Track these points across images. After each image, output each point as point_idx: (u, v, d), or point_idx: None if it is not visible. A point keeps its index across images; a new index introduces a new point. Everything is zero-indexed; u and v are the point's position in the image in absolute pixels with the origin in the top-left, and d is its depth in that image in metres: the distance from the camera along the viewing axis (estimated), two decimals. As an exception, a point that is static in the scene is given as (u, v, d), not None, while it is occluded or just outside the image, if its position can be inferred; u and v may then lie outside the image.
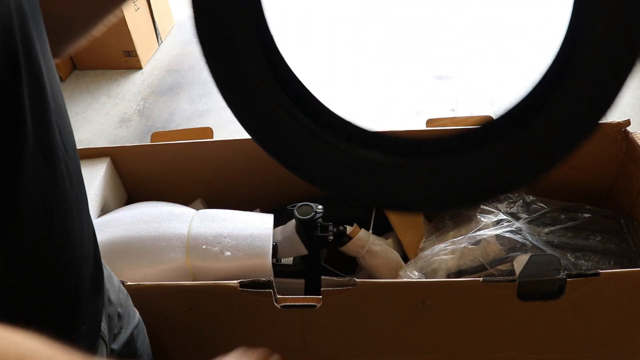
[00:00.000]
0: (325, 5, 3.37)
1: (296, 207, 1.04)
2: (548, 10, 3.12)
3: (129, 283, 0.84)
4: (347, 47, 2.93)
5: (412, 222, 1.16)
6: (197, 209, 1.06)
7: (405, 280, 0.97)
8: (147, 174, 1.25)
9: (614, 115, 2.17)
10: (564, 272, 0.82)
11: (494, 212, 1.07)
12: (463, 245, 1.00)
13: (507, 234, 0.98)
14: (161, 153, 1.22)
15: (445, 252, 1.01)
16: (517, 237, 1.00)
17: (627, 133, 1.15)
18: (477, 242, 0.99)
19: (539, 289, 0.84)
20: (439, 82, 2.60)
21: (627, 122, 1.16)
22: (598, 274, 0.83)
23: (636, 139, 1.13)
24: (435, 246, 1.03)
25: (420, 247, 1.11)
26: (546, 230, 1.05)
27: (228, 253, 0.92)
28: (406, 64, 2.75)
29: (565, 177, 1.23)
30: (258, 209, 1.19)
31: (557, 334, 0.94)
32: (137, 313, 0.78)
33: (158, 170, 1.25)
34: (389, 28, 3.08)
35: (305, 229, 1.04)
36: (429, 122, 1.29)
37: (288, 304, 0.87)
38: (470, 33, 2.98)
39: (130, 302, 0.77)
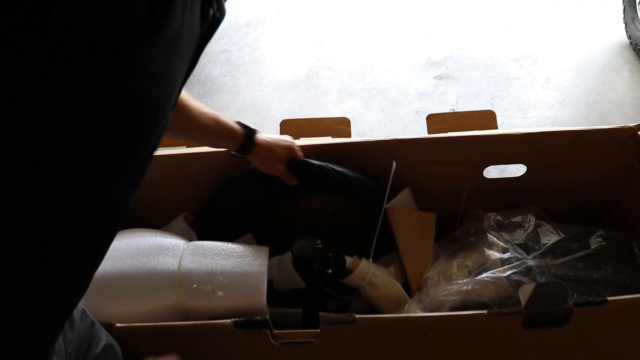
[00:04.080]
0: (325, 5, 3.32)
1: (293, 244, 1.00)
2: (548, 10, 3.08)
3: (119, 325, 0.81)
4: (347, 47, 2.88)
5: (420, 249, 1.12)
6: (181, 227, 1.02)
7: (406, 315, 0.94)
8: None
9: (614, 115, 2.17)
10: (570, 300, 0.80)
11: (502, 246, 1.03)
12: (469, 288, 0.97)
13: (515, 277, 0.94)
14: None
15: (449, 292, 0.98)
16: (526, 279, 0.97)
17: (638, 137, 1.13)
18: (484, 283, 0.95)
19: (544, 318, 0.82)
20: (439, 82, 2.56)
21: (638, 127, 1.13)
22: (605, 301, 0.80)
23: None
24: (440, 286, 0.99)
25: (423, 277, 1.07)
26: (557, 262, 1.01)
27: (221, 293, 0.88)
28: (406, 63, 2.71)
29: (575, 182, 1.22)
30: (249, 234, 1.14)
31: None
32: (106, 339, 0.74)
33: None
34: (389, 28, 3.04)
35: (304, 263, 1.00)
36: (430, 117, 1.26)
37: (286, 340, 0.84)
38: (470, 33, 2.93)
39: (96, 329, 0.73)
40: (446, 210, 1.23)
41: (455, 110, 2.35)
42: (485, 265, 1.01)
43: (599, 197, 1.23)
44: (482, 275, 0.98)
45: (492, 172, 1.24)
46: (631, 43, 2.64)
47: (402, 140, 1.18)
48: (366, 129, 2.31)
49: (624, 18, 2.68)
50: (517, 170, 1.25)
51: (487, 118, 1.24)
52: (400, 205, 1.15)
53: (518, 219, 1.12)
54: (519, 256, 1.01)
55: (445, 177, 1.21)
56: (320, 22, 3.10)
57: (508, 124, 2.25)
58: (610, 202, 1.24)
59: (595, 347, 0.89)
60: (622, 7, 2.69)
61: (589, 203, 1.20)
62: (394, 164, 1.13)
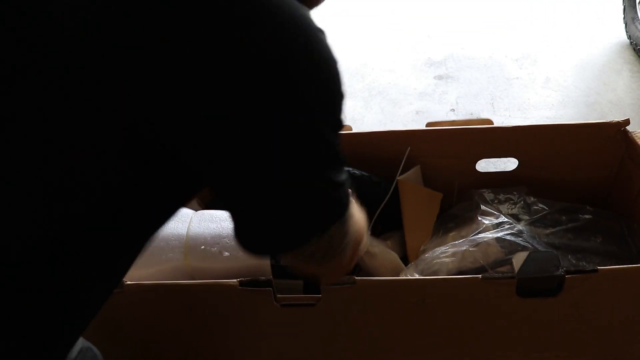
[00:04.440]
0: (324, 5, 3.34)
1: None
2: (548, 10, 3.09)
3: (128, 282, 0.84)
4: (347, 47, 2.89)
5: (423, 224, 1.16)
6: (195, 210, 1.05)
7: (404, 278, 0.96)
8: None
9: (614, 115, 2.17)
10: (562, 268, 0.82)
11: (494, 214, 1.06)
12: (464, 248, 1.00)
13: (508, 237, 0.98)
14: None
15: (445, 255, 1.01)
16: (518, 240, 1.00)
17: (626, 132, 1.15)
18: (478, 245, 0.98)
19: (537, 286, 0.84)
20: (439, 82, 2.57)
21: (627, 122, 1.15)
22: (597, 270, 0.83)
23: (636, 138, 1.12)
24: (436, 249, 1.02)
25: (421, 249, 1.10)
26: (547, 231, 1.04)
27: (227, 253, 0.91)
28: (406, 63, 2.72)
29: (566, 177, 1.23)
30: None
31: (556, 332, 0.93)
32: (81, 343, 0.74)
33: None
34: (389, 28, 3.05)
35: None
36: (429, 124, 1.27)
37: (288, 303, 0.87)
38: (470, 33, 2.94)
39: None
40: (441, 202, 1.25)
41: (455, 110, 2.35)
42: (479, 230, 1.04)
43: (591, 191, 1.23)
44: (475, 236, 1.02)
45: (485, 166, 1.26)
46: (631, 43, 2.65)
47: (397, 132, 1.21)
48: (366, 129, 2.32)
49: (624, 18, 2.69)
50: (509, 164, 1.26)
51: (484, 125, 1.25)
52: (411, 181, 1.20)
53: (510, 193, 1.16)
54: (511, 221, 1.04)
55: (439, 169, 1.23)
56: (320, 22, 3.12)
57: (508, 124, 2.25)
58: (601, 197, 1.25)
59: (587, 317, 0.91)
60: (622, 7, 2.69)
61: (580, 197, 1.20)
62: (408, 149, 1.19)
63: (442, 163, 1.22)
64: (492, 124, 1.21)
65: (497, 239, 1.01)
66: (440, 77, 2.60)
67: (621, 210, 1.17)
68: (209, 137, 0.47)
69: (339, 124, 0.53)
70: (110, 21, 0.44)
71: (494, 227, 1.04)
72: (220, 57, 0.44)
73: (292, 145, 0.49)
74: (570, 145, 1.18)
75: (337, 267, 0.64)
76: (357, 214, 0.63)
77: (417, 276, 1.01)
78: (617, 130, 1.14)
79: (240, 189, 0.51)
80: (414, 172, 1.22)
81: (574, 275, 0.83)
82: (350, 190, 0.58)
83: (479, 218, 1.07)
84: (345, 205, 0.56)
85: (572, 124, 1.17)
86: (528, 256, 0.83)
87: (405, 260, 1.12)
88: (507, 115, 2.30)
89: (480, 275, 0.83)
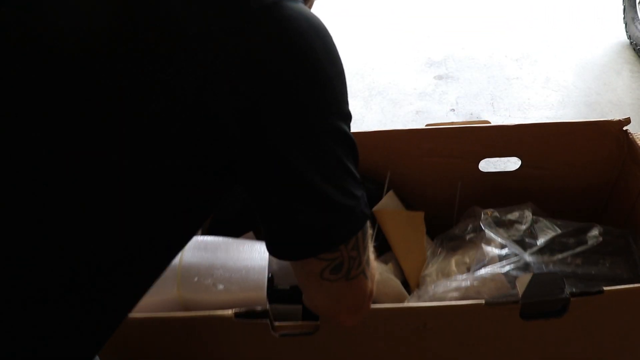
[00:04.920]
0: (324, 5, 3.33)
1: None
2: (548, 10, 3.09)
3: None
4: (347, 47, 2.89)
5: (414, 247, 1.13)
6: None
7: (405, 305, 0.93)
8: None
9: (614, 115, 2.17)
10: (567, 291, 0.80)
11: (499, 242, 1.04)
12: (467, 284, 0.98)
13: (513, 272, 0.95)
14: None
15: (448, 290, 0.99)
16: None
17: (627, 133, 1.14)
18: (482, 280, 0.96)
19: (542, 308, 0.82)
20: (439, 82, 2.56)
21: (628, 120, 1.15)
22: (602, 291, 0.80)
23: (637, 139, 1.12)
24: (439, 282, 1.00)
25: (421, 275, 1.08)
26: (554, 258, 1.02)
27: (221, 286, 0.88)
28: (406, 63, 2.72)
29: (568, 175, 1.22)
30: (251, 231, 1.15)
31: (560, 352, 0.91)
32: None
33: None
34: (389, 28, 3.05)
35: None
36: (428, 126, 1.26)
37: (286, 332, 0.84)
38: (470, 33, 2.94)
39: None
40: (441, 202, 1.24)
41: (455, 110, 2.35)
42: (484, 262, 1.01)
43: (594, 190, 1.23)
44: (480, 272, 0.98)
45: (487, 165, 1.25)
46: (631, 43, 2.65)
47: (398, 131, 1.20)
48: (366, 129, 2.30)
49: (624, 18, 2.69)
50: (511, 163, 1.25)
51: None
52: (387, 207, 1.17)
53: (515, 215, 1.12)
54: (517, 252, 1.01)
55: (441, 169, 1.21)
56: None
57: (508, 124, 2.25)
58: (605, 195, 1.24)
59: (592, 338, 0.89)
60: (622, 7, 2.69)
61: (584, 196, 1.20)
62: (389, 173, 1.17)
63: (444, 163, 1.21)
64: (491, 125, 1.20)
65: (503, 274, 0.98)
66: (440, 77, 2.59)
67: (624, 209, 1.16)
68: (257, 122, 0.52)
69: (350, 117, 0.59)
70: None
71: (499, 259, 1.01)
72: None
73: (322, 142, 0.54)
74: (573, 144, 1.17)
75: (361, 288, 0.64)
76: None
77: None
78: (619, 128, 1.14)
79: (273, 183, 0.55)
80: (389, 198, 1.19)
81: (579, 298, 0.81)
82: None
83: (484, 247, 1.04)
84: (367, 215, 0.59)
85: (575, 122, 1.17)
86: (532, 279, 0.81)
87: (405, 284, 1.10)
88: (507, 115, 2.30)
89: (483, 301, 0.81)
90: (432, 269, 1.08)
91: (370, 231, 0.64)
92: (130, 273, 0.58)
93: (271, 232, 0.59)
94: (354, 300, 0.65)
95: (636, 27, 2.58)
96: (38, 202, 0.50)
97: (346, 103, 0.58)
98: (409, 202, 1.25)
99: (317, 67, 0.53)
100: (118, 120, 0.50)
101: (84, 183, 0.51)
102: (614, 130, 1.14)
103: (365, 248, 0.62)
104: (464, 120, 2.07)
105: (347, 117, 0.58)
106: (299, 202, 0.55)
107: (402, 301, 1.03)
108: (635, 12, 2.60)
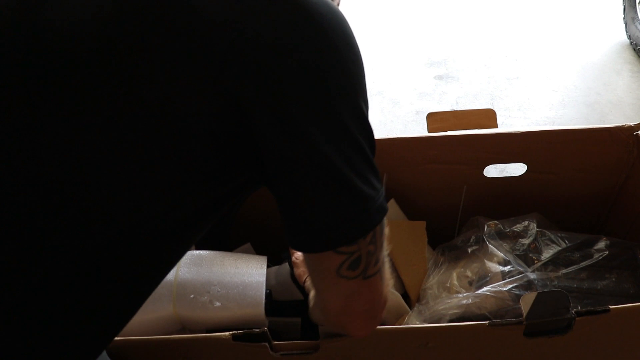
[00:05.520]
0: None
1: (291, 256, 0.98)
2: (548, 10, 3.08)
3: (116, 338, 0.77)
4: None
5: (415, 258, 1.11)
6: None
7: (406, 326, 0.92)
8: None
9: (614, 115, 2.16)
10: (572, 309, 0.79)
11: (502, 258, 1.02)
12: (469, 301, 0.96)
13: (516, 290, 0.93)
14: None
15: (450, 306, 0.97)
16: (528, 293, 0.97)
17: (638, 137, 1.13)
18: (485, 297, 0.95)
19: (546, 327, 0.81)
20: (439, 82, 2.55)
21: (639, 126, 1.13)
22: (608, 310, 0.79)
23: None
24: (439, 300, 0.98)
25: (422, 288, 1.06)
26: (559, 273, 1.00)
27: (218, 303, 0.86)
28: (406, 63, 2.71)
29: (575, 181, 1.21)
30: (249, 243, 1.13)
31: None
32: None
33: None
34: (389, 27, 3.03)
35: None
36: (430, 115, 1.25)
37: (286, 352, 0.82)
38: (470, 33, 2.93)
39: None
40: (446, 209, 1.22)
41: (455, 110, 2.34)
42: (486, 278, 1.00)
43: (600, 197, 1.22)
44: (482, 289, 0.97)
45: (492, 171, 1.24)
46: (631, 43, 2.64)
47: (402, 139, 1.18)
48: (366, 129, 2.31)
49: (624, 18, 2.68)
50: (517, 169, 1.24)
51: (487, 117, 1.22)
52: (388, 217, 1.15)
53: (519, 227, 1.10)
54: (520, 269, 0.99)
55: (446, 176, 1.20)
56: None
57: (508, 124, 2.24)
58: (611, 202, 1.23)
59: (596, 356, 0.88)
60: (622, 7, 2.69)
61: (590, 203, 1.19)
62: (385, 175, 1.14)
63: (448, 169, 1.19)
64: (495, 115, 1.18)
65: (506, 292, 0.97)
66: (440, 77, 2.59)
67: (631, 216, 1.15)
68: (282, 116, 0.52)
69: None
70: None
71: (502, 276, 0.99)
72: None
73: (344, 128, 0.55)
74: (580, 150, 1.16)
75: (377, 289, 0.63)
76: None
77: (420, 325, 0.97)
78: (629, 134, 1.13)
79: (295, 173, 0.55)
80: (390, 207, 1.16)
81: (585, 317, 0.79)
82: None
83: (487, 262, 1.02)
84: (385, 209, 0.59)
85: (582, 128, 1.16)
86: (537, 298, 0.79)
87: (405, 296, 1.09)
88: (507, 115, 2.29)
89: (487, 322, 0.80)
90: (433, 282, 1.06)
91: (387, 229, 0.63)
92: (133, 278, 0.58)
93: (294, 223, 0.58)
94: (370, 303, 0.63)
95: (636, 27, 2.57)
96: (38, 205, 0.50)
97: (365, 91, 0.59)
98: (411, 210, 1.23)
99: (340, 53, 0.55)
100: (131, 122, 0.50)
101: (88, 184, 0.51)
102: (623, 136, 1.13)
103: (382, 245, 0.61)
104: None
105: (367, 105, 0.59)
106: (323, 185, 0.54)
107: (402, 315, 1.02)
108: (635, 12, 2.60)
